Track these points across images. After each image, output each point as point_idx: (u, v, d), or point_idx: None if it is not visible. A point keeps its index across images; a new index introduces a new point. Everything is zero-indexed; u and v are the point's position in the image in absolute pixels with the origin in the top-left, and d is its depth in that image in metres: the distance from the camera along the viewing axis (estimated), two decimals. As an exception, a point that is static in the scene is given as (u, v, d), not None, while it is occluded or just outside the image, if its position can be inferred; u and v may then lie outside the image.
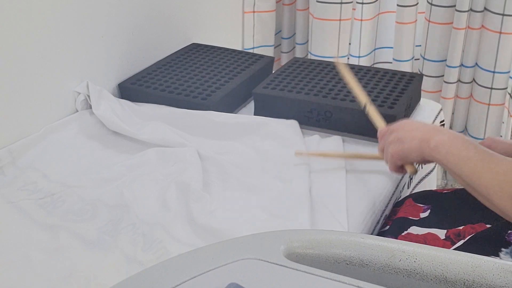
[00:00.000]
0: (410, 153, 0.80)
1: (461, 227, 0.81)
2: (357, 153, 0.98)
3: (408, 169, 0.85)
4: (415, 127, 0.81)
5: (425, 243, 0.74)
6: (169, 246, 0.76)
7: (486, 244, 0.73)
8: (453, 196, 0.89)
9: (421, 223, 0.84)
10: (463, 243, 0.75)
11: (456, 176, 0.75)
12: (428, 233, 0.82)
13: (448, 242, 0.79)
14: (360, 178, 0.92)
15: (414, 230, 0.82)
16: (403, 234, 0.83)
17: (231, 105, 1.13)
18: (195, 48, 1.32)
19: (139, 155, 0.96)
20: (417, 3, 1.65)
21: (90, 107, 1.07)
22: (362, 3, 1.65)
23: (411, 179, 1.04)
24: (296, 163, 0.93)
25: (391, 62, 1.75)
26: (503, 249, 0.72)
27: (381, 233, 0.88)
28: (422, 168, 1.11)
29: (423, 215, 0.86)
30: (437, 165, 1.21)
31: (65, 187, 0.89)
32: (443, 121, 1.22)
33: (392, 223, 0.87)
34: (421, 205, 0.88)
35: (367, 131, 1.03)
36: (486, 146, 0.87)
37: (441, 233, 0.81)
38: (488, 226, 0.80)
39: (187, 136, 1.01)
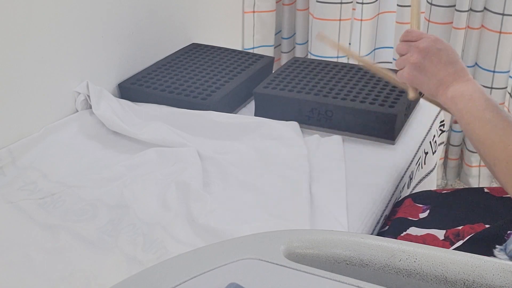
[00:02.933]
0: (424, 87, 0.76)
1: (460, 227, 0.81)
2: (376, 67, 0.92)
3: (410, 93, 0.81)
4: (443, 61, 0.74)
5: (425, 244, 0.73)
6: (169, 246, 0.76)
7: (486, 244, 0.73)
8: (452, 196, 0.89)
9: (420, 223, 0.84)
10: (463, 243, 0.75)
11: (468, 134, 0.72)
12: (427, 234, 0.82)
13: (447, 243, 0.79)
14: (360, 178, 0.92)
15: (413, 231, 0.82)
16: (402, 235, 0.83)
17: (231, 105, 1.13)
18: (195, 48, 1.32)
19: (139, 155, 0.96)
20: (417, 3, 1.65)
21: (90, 107, 1.07)
22: (362, 3, 1.65)
23: (411, 179, 1.04)
24: (296, 161, 0.93)
25: (391, 62, 1.75)
26: (497, 245, 0.72)
27: (380, 234, 0.88)
28: (422, 168, 1.11)
29: (422, 215, 0.86)
30: (437, 165, 1.21)
31: (65, 187, 0.89)
32: (443, 121, 1.22)
33: (391, 224, 0.87)
34: (421, 205, 0.88)
35: (368, 131, 1.03)
36: None
37: (440, 234, 0.81)
38: (487, 226, 0.80)
39: (187, 136, 1.01)
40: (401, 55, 0.79)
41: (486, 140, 0.68)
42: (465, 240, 0.76)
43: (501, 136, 0.67)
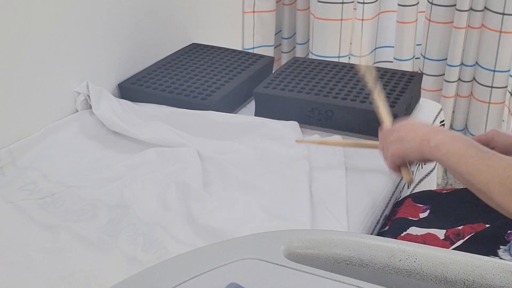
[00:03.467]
0: (410, 152, 0.80)
1: (460, 227, 0.81)
2: (357, 142, 0.98)
3: (405, 175, 0.86)
4: (417, 127, 0.81)
5: (425, 244, 0.73)
6: (169, 246, 0.76)
7: (486, 244, 0.73)
8: (452, 196, 0.89)
9: (421, 223, 0.84)
10: (462, 242, 0.75)
11: (457, 174, 0.75)
12: (428, 233, 0.82)
13: (447, 242, 0.79)
14: (360, 178, 0.92)
15: (413, 230, 0.82)
16: (402, 234, 0.83)
17: (231, 105, 1.13)
18: (195, 48, 1.32)
19: (139, 155, 0.96)
20: (418, 3, 1.65)
21: (90, 107, 1.07)
22: (363, 3, 1.64)
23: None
24: (296, 161, 0.93)
25: (392, 61, 1.75)
26: (501, 246, 0.72)
27: (380, 234, 0.87)
28: (422, 168, 1.11)
29: (423, 215, 0.86)
30: (437, 165, 1.21)
31: (65, 187, 0.89)
32: (443, 121, 1.22)
33: (391, 224, 0.87)
34: (421, 205, 0.88)
35: (368, 130, 1.03)
36: (490, 137, 0.88)
37: (440, 233, 0.81)
38: (487, 226, 0.80)
39: (187, 136, 1.01)
40: (383, 149, 0.87)
41: (474, 171, 0.71)
42: (465, 239, 0.76)
43: (487, 163, 0.70)
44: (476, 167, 0.71)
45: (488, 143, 0.89)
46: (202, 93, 1.09)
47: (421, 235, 0.81)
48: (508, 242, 0.73)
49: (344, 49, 1.69)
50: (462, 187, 0.81)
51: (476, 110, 1.64)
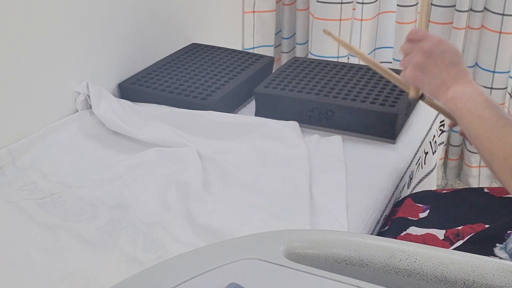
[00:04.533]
0: (425, 87, 0.77)
1: (460, 227, 0.81)
2: (381, 67, 0.90)
3: (411, 92, 0.83)
4: (446, 62, 0.75)
5: (424, 244, 0.73)
6: (169, 246, 0.76)
7: (485, 244, 0.73)
8: (452, 196, 0.89)
9: (420, 223, 0.84)
10: (463, 243, 0.75)
11: (467, 132, 0.73)
12: (427, 233, 0.82)
13: (447, 243, 0.79)
14: (360, 178, 0.92)
15: (413, 230, 0.82)
16: (402, 234, 0.83)
17: (231, 105, 1.13)
18: (195, 48, 1.32)
19: (139, 155, 0.96)
20: (417, 3, 1.65)
21: (90, 107, 1.07)
22: (362, 3, 1.65)
23: (411, 179, 1.04)
24: (296, 161, 0.93)
25: (391, 62, 1.75)
26: (497, 244, 0.72)
27: (380, 234, 0.88)
28: (422, 168, 1.11)
29: (422, 215, 0.86)
30: (437, 165, 1.21)
31: (65, 187, 0.89)
32: (443, 121, 1.22)
33: (391, 224, 0.87)
34: (420, 205, 0.88)
35: (369, 130, 1.03)
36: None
37: (440, 234, 0.81)
38: (487, 226, 0.80)
39: (187, 136, 1.01)
40: (406, 54, 0.80)
41: (484, 137, 0.69)
42: (465, 240, 0.76)
43: (498, 133, 0.68)
44: (486, 133, 0.69)
45: None
46: (202, 93, 1.09)
47: (420, 235, 0.82)
48: (504, 239, 0.73)
49: (343, 49, 1.69)
50: (462, 187, 0.81)
51: (476, 110, 1.64)
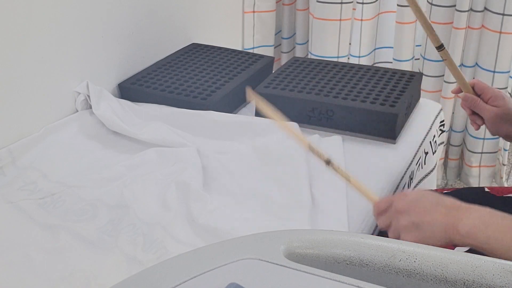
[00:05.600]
0: (433, 241, 0.68)
1: None
2: (359, 186, 0.80)
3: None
4: (429, 206, 0.69)
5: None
6: (169, 246, 0.76)
7: None
8: (452, 196, 0.89)
9: None
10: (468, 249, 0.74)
11: (504, 257, 0.62)
12: None
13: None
14: (360, 178, 0.92)
15: None
16: None
17: (231, 105, 1.13)
18: (195, 48, 1.32)
19: (139, 155, 0.96)
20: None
21: (90, 107, 1.07)
22: (363, 3, 1.64)
23: (411, 179, 1.04)
24: (296, 161, 0.93)
25: (391, 62, 1.75)
26: None
27: (380, 234, 0.87)
28: (422, 168, 1.11)
29: None
30: (437, 165, 1.21)
31: (65, 187, 0.89)
32: (443, 121, 1.22)
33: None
34: None
35: (369, 130, 1.03)
36: (474, 84, 0.87)
37: None
38: None
39: (187, 136, 1.01)
40: (388, 226, 0.74)
41: None
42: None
43: None
44: None
45: (496, 99, 0.88)
46: (202, 93, 1.09)
47: None
48: None
49: (343, 49, 1.69)
50: (462, 186, 0.80)
51: (476, 110, 1.64)
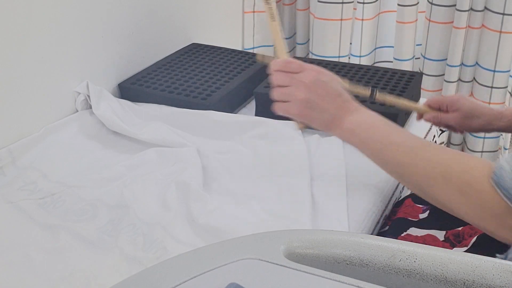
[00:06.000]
0: (316, 123, 0.73)
1: (460, 228, 0.81)
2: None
3: (299, 125, 0.79)
4: (330, 93, 0.71)
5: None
6: (169, 246, 0.76)
7: (484, 254, 0.73)
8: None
9: (420, 224, 0.84)
10: (467, 249, 0.75)
11: (378, 161, 0.69)
12: (428, 234, 0.82)
13: (447, 244, 0.79)
14: (360, 178, 0.92)
15: (413, 231, 0.82)
16: (402, 235, 0.83)
17: (231, 105, 1.13)
18: (195, 48, 1.32)
19: (139, 155, 0.96)
20: (418, 3, 1.65)
21: (90, 107, 1.07)
22: (363, 3, 1.64)
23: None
24: (297, 160, 0.93)
25: (391, 61, 1.75)
26: (497, 254, 0.71)
27: (380, 234, 0.87)
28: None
29: (422, 215, 0.86)
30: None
31: (65, 187, 0.89)
32: (443, 120, 1.22)
33: (391, 224, 0.87)
34: (420, 206, 0.88)
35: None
36: (455, 100, 0.89)
37: (440, 235, 0.81)
38: None
39: (187, 135, 1.01)
40: (280, 86, 0.74)
41: (410, 163, 0.65)
42: (469, 246, 0.76)
43: (425, 155, 0.64)
44: (410, 158, 0.64)
45: (453, 104, 0.90)
46: (202, 93, 1.09)
47: (421, 236, 0.81)
48: (505, 249, 0.72)
49: (344, 49, 1.69)
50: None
51: (476, 110, 1.64)
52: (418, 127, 1.10)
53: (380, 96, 0.88)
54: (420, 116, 0.96)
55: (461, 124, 0.92)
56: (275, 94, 0.75)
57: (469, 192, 0.60)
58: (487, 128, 0.91)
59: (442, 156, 0.64)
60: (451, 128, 0.97)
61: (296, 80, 0.72)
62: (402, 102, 0.93)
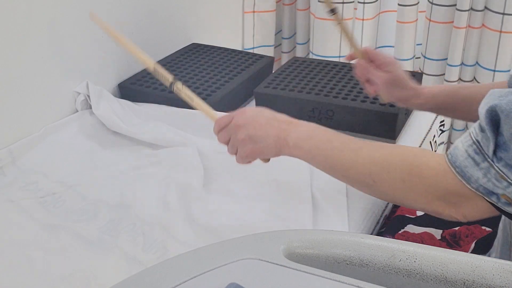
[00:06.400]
0: (267, 153, 0.76)
1: (456, 228, 0.81)
2: (205, 108, 0.85)
3: (263, 161, 0.81)
4: (265, 121, 0.75)
5: (422, 242, 0.73)
6: (169, 246, 0.76)
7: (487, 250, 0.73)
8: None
9: (418, 221, 0.84)
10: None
11: (327, 169, 0.72)
12: (425, 232, 0.82)
13: (444, 243, 0.79)
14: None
15: (410, 228, 0.82)
16: (400, 232, 0.83)
17: (231, 105, 1.12)
18: (195, 48, 1.31)
19: (140, 155, 0.96)
20: (418, 2, 1.65)
21: (90, 107, 1.07)
22: (364, 3, 1.64)
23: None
24: (297, 160, 0.93)
25: (391, 62, 1.75)
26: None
27: (380, 233, 0.88)
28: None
29: (419, 212, 0.86)
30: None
31: (65, 187, 0.89)
32: (443, 121, 1.22)
33: (389, 222, 0.87)
34: None
35: (369, 130, 1.03)
36: (366, 51, 0.88)
37: (437, 233, 0.81)
38: (484, 227, 0.80)
39: (187, 135, 1.01)
40: (226, 143, 0.79)
41: (352, 163, 0.68)
42: (471, 250, 0.76)
43: (362, 154, 0.67)
44: (351, 158, 0.68)
45: (387, 65, 0.89)
46: (202, 93, 1.09)
47: (418, 233, 0.82)
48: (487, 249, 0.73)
49: (345, 49, 1.69)
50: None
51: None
52: (418, 127, 1.10)
53: (336, 17, 0.89)
54: (351, 57, 0.95)
55: (385, 86, 0.91)
56: (229, 150, 0.79)
57: (411, 179, 0.63)
58: (404, 101, 0.91)
59: (382, 151, 0.67)
60: (370, 85, 0.94)
61: (232, 129, 0.77)
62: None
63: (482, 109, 0.59)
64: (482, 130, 0.59)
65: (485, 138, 0.58)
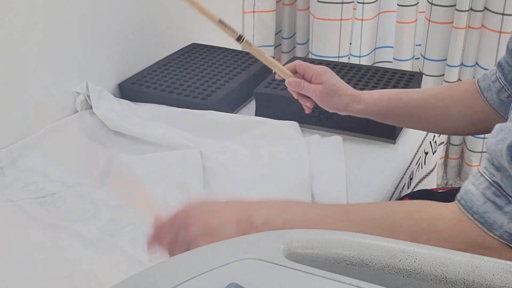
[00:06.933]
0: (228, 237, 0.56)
1: None
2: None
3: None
4: (217, 209, 0.62)
5: None
6: (169, 246, 0.76)
7: None
8: (447, 195, 0.89)
9: None
10: None
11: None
12: None
13: None
14: (360, 178, 0.92)
15: None
16: None
17: (231, 105, 1.13)
18: (195, 48, 1.32)
19: (140, 155, 0.96)
20: (418, 3, 1.65)
21: (90, 107, 1.07)
22: (363, 3, 1.65)
23: (411, 179, 1.04)
24: (297, 160, 0.93)
25: (391, 62, 1.75)
26: None
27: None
28: (422, 168, 1.11)
29: None
30: (437, 165, 1.21)
31: (65, 187, 0.89)
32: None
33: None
34: None
35: (369, 130, 1.03)
36: (294, 67, 0.86)
37: None
38: None
39: (188, 135, 1.01)
40: (173, 246, 0.64)
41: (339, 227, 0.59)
42: None
43: (343, 219, 0.60)
44: (335, 227, 0.59)
45: (319, 76, 0.86)
46: (202, 93, 1.09)
47: None
48: None
49: (344, 49, 1.69)
50: (460, 186, 0.80)
51: (476, 110, 1.64)
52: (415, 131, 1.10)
53: (246, 44, 0.85)
54: (279, 77, 0.90)
55: (320, 98, 0.87)
56: (171, 254, 0.65)
57: (422, 236, 0.56)
58: (343, 109, 0.88)
59: (361, 214, 0.60)
60: (305, 100, 0.90)
61: (176, 228, 0.63)
62: (266, 58, 0.87)
63: (497, 146, 0.52)
64: (497, 169, 0.53)
65: (506, 178, 0.52)
